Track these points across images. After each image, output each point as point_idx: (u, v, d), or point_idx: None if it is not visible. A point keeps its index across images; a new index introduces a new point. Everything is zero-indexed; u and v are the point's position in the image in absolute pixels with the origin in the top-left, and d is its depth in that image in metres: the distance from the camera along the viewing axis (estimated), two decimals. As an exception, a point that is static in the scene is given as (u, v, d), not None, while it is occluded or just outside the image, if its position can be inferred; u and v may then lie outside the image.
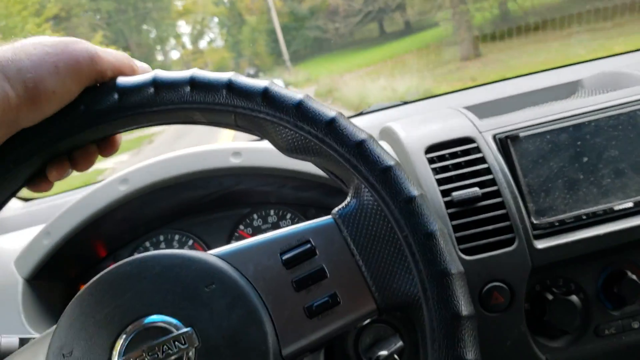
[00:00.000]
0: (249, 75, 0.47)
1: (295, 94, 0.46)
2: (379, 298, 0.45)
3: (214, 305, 0.44)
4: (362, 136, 0.45)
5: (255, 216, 0.93)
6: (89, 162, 0.51)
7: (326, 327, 0.45)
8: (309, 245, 0.46)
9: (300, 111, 0.45)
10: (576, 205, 0.74)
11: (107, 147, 0.52)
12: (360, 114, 1.23)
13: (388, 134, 0.90)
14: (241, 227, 0.93)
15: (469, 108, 0.89)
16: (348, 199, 0.47)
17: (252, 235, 0.92)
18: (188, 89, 0.45)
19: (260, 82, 0.46)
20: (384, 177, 0.44)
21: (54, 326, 0.45)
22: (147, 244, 0.93)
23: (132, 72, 0.48)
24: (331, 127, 0.45)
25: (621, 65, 0.95)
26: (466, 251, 0.71)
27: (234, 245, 0.48)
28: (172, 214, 0.92)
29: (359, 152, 0.45)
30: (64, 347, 0.43)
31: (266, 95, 0.45)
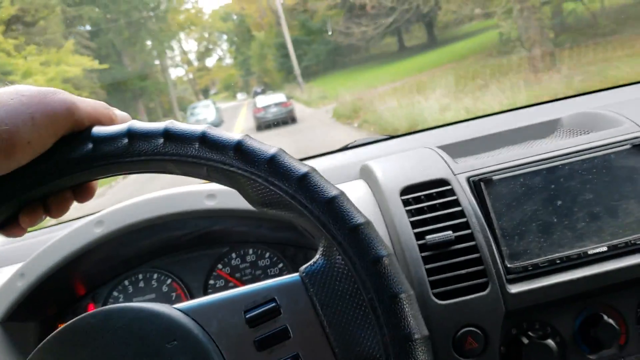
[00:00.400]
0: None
1: (269, 148, 0.46)
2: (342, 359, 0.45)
3: None
4: (333, 193, 0.45)
5: (233, 255, 0.93)
6: (64, 209, 0.51)
7: None
8: (273, 304, 0.46)
9: (272, 166, 0.45)
10: (550, 249, 0.73)
11: (83, 193, 0.51)
12: (345, 148, 1.23)
13: (366, 172, 0.90)
14: (219, 266, 0.92)
15: (445, 147, 0.89)
16: (317, 256, 0.46)
17: (230, 274, 0.92)
18: (161, 140, 0.45)
19: (233, 136, 0.45)
20: (352, 236, 0.44)
21: None
22: (126, 282, 0.93)
23: (110, 121, 0.48)
24: (302, 184, 0.45)
25: (607, 103, 0.96)
26: (440, 295, 0.71)
27: (200, 301, 0.47)
28: (150, 253, 0.92)
29: (329, 209, 0.44)
30: None
31: (239, 149, 0.45)
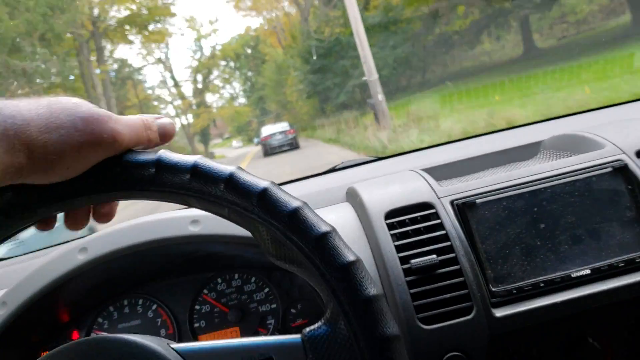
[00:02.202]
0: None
1: (293, 200, 0.44)
2: None
3: None
4: (349, 259, 0.43)
5: (219, 280, 0.92)
6: (80, 225, 0.51)
7: None
8: None
9: (293, 220, 0.43)
10: (534, 272, 0.74)
11: (103, 214, 0.52)
12: (332, 170, 1.23)
13: (352, 195, 0.91)
14: (205, 291, 0.92)
15: (430, 170, 0.90)
16: (321, 322, 0.45)
17: (216, 299, 0.91)
18: (188, 176, 0.45)
19: (260, 182, 0.45)
20: (362, 310, 0.43)
21: None
22: (111, 308, 0.92)
23: (148, 143, 0.49)
24: (320, 244, 0.43)
25: (589, 125, 0.97)
26: (425, 320, 0.71)
27: (197, 345, 0.47)
28: (135, 278, 0.91)
29: (342, 277, 0.43)
30: None
31: (262, 197, 0.44)
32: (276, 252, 0.45)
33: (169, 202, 0.48)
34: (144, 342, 0.45)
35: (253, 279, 0.92)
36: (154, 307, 0.91)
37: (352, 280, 0.43)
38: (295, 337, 0.46)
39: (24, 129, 0.40)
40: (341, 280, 0.43)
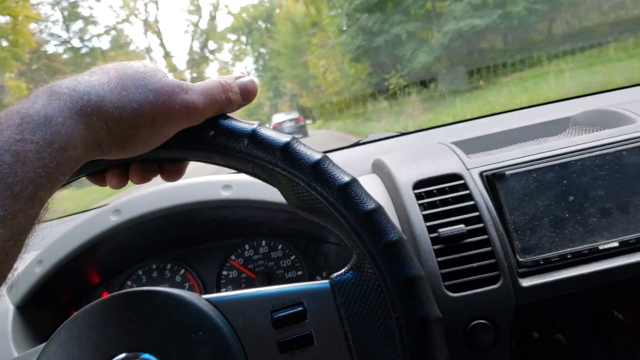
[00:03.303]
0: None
1: (315, 153, 0.46)
2: None
3: (198, 353, 0.44)
4: (372, 206, 0.45)
5: (247, 247, 0.94)
6: (146, 178, 0.52)
7: None
8: (300, 308, 0.46)
9: (316, 171, 0.45)
10: (562, 244, 0.74)
11: (172, 171, 0.52)
12: (357, 144, 1.24)
13: (379, 167, 0.91)
14: (233, 257, 0.93)
15: (458, 143, 0.90)
16: (348, 266, 0.47)
17: (244, 265, 0.93)
18: (212, 132, 0.46)
19: (282, 137, 0.46)
20: (387, 253, 0.44)
21: (42, 344, 0.46)
22: (140, 272, 0.94)
23: (230, 105, 0.49)
24: (343, 193, 0.45)
25: (618, 102, 0.96)
26: (451, 288, 0.72)
27: (228, 294, 0.48)
28: (164, 243, 0.93)
29: (366, 222, 0.44)
30: None
31: (285, 150, 0.45)
32: (300, 204, 0.47)
33: (192, 159, 0.49)
34: (178, 293, 0.47)
35: (280, 246, 0.93)
36: (182, 271, 0.93)
37: (376, 225, 0.45)
38: (323, 282, 0.48)
39: (100, 105, 0.40)
40: (366, 225, 0.45)
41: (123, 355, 0.45)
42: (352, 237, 0.45)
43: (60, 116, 0.37)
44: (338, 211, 0.45)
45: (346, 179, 0.45)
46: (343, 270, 0.47)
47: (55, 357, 0.45)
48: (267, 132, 0.46)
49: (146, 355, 0.45)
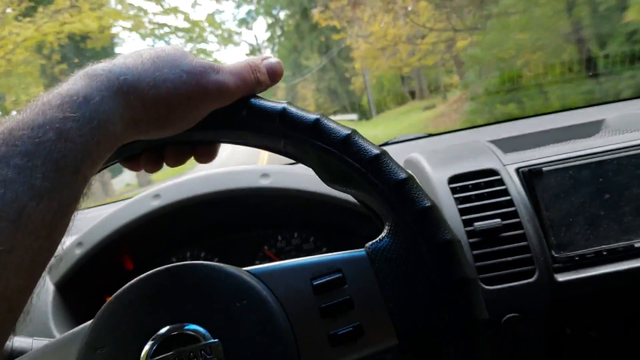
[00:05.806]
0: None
1: (344, 128, 0.47)
2: (402, 335, 0.46)
3: (243, 321, 0.45)
4: (404, 175, 0.46)
5: (279, 237, 0.95)
6: (181, 161, 0.53)
7: (347, 357, 0.46)
8: (339, 275, 0.47)
9: (346, 144, 0.46)
10: (597, 241, 0.75)
11: (205, 153, 0.53)
12: (386, 144, 1.25)
13: (413, 163, 0.92)
14: (266, 247, 0.95)
15: (494, 141, 0.91)
16: (382, 234, 0.47)
17: (277, 256, 0.94)
18: (245, 112, 0.48)
19: (311, 115, 0.47)
20: (420, 219, 0.45)
21: (88, 322, 0.47)
22: (174, 259, 0.96)
23: (258, 85, 0.50)
24: (375, 164, 0.46)
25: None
26: (487, 281, 0.72)
27: (268, 265, 0.49)
28: (199, 232, 0.95)
29: (399, 191, 0.45)
30: (96, 343, 0.45)
31: (316, 126, 0.47)
32: (332, 177, 0.48)
33: (224, 140, 0.51)
34: (221, 266, 0.48)
35: (312, 239, 0.94)
36: (216, 259, 0.95)
37: (409, 193, 0.45)
38: (359, 250, 0.48)
39: (136, 84, 0.41)
40: (399, 194, 0.45)
41: (167, 327, 0.46)
42: (385, 205, 0.46)
43: (98, 95, 0.39)
44: (370, 182, 0.46)
45: (376, 151, 0.47)
46: (377, 239, 0.48)
47: (102, 334, 0.46)
48: (296, 110, 0.48)
49: (192, 326, 0.46)
